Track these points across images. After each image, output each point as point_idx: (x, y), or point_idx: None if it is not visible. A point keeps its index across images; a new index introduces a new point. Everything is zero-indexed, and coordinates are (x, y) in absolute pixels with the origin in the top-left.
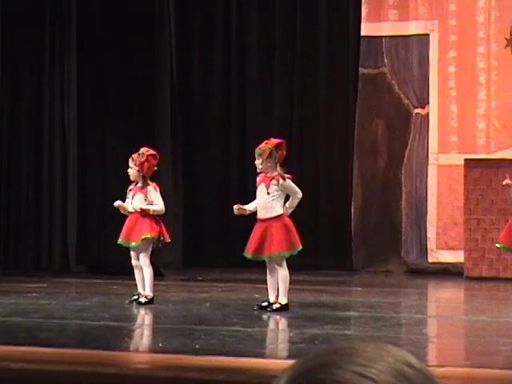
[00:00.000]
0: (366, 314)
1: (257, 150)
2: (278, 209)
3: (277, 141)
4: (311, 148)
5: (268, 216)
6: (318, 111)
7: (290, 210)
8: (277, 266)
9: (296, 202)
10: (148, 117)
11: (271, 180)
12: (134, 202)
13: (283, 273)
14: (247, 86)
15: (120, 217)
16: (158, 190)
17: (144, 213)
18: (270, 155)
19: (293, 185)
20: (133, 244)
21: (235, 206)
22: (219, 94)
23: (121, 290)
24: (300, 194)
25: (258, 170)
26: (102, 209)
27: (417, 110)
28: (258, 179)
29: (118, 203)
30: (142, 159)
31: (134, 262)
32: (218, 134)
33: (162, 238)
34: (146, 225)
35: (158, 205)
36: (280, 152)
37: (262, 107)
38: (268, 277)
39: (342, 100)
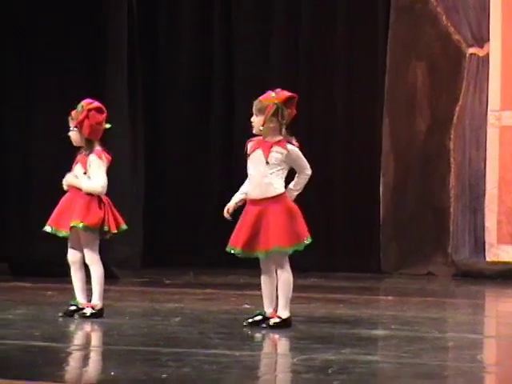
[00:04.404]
0: (398, 332)
1: (256, 104)
2: (278, 186)
3: (286, 94)
4: (325, 105)
5: (264, 196)
6: (335, 53)
7: (296, 193)
8: (277, 267)
9: (304, 181)
10: (95, 70)
11: (272, 146)
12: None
13: (285, 276)
14: (234, 26)
15: (53, 199)
16: (103, 159)
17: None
18: (275, 112)
19: (303, 157)
20: (62, 232)
21: (225, 211)
22: (194, 38)
23: (57, 298)
24: (309, 171)
25: (256, 132)
26: (27, 188)
27: (472, 50)
28: (249, 144)
29: (67, 181)
30: (81, 116)
31: (70, 255)
32: (191, 92)
33: (106, 228)
34: (80, 208)
35: (93, 181)
36: (289, 110)
37: (255, 54)
38: (263, 281)
39: (369, 37)
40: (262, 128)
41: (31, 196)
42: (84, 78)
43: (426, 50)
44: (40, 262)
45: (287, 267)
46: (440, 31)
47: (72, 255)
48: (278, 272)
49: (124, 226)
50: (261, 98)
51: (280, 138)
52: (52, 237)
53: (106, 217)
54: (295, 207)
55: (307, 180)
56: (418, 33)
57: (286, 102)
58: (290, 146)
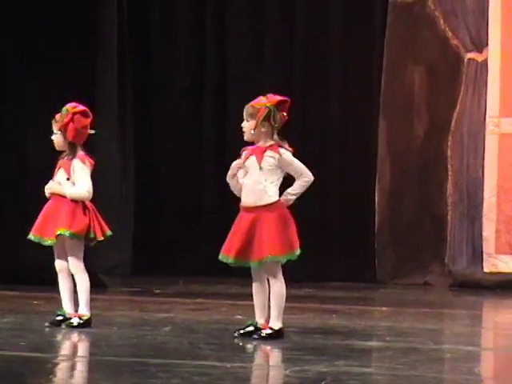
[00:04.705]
0: (393, 344)
1: (247, 109)
2: (272, 193)
3: (278, 98)
4: (320, 105)
5: (258, 203)
6: (330, 53)
7: (292, 198)
8: (269, 276)
9: (302, 187)
10: (87, 66)
11: (265, 151)
12: (55, 180)
13: (277, 286)
14: (227, 23)
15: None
16: (87, 164)
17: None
18: (267, 116)
19: (298, 161)
20: (48, 241)
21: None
22: (186, 35)
23: (44, 307)
24: (310, 177)
25: (246, 138)
26: (17, 194)
27: (470, 55)
28: (243, 153)
29: (50, 189)
30: (66, 119)
31: (57, 264)
32: (184, 89)
33: (92, 235)
34: (65, 215)
35: (77, 186)
36: (280, 114)
37: (249, 52)
38: (255, 291)
39: (365, 39)
40: (253, 132)
41: (23, 202)
42: (75, 77)
43: (424, 54)
44: (29, 269)
45: (280, 277)
46: (438, 35)
47: (59, 264)
48: (271, 282)
49: (109, 232)
50: (252, 102)
51: (272, 142)
52: (38, 244)
53: (92, 223)
54: (289, 215)
55: (306, 187)
56: (416, 35)
57: (278, 105)
58: (282, 150)
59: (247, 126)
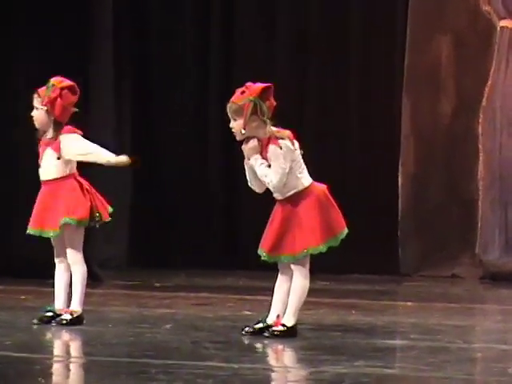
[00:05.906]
0: (419, 342)
1: (230, 107)
2: (292, 184)
3: (259, 86)
4: (336, 84)
5: (282, 197)
6: (348, 24)
7: (251, 161)
8: (294, 271)
9: (264, 175)
10: (79, 42)
11: (268, 145)
12: (43, 163)
13: (301, 281)
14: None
15: (35, 192)
16: (77, 132)
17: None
18: (253, 110)
19: (282, 163)
20: (50, 233)
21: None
22: (189, 12)
23: (33, 303)
24: (273, 181)
25: (239, 138)
26: (5, 180)
27: (503, 23)
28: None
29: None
30: (53, 94)
31: (56, 256)
32: (188, 70)
33: (97, 216)
34: (66, 201)
35: (97, 149)
36: (268, 102)
37: (258, 32)
38: (278, 284)
39: (386, 7)
40: (244, 131)
41: (11, 188)
42: (66, 53)
43: (451, 23)
44: (17, 262)
45: (305, 273)
46: (467, 1)
47: (58, 255)
48: (294, 276)
49: (111, 209)
50: (233, 99)
51: (268, 134)
52: (34, 237)
53: (94, 203)
54: (325, 196)
55: (265, 181)
56: (443, 2)
57: (262, 94)
58: (282, 143)
59: (236, 125)
